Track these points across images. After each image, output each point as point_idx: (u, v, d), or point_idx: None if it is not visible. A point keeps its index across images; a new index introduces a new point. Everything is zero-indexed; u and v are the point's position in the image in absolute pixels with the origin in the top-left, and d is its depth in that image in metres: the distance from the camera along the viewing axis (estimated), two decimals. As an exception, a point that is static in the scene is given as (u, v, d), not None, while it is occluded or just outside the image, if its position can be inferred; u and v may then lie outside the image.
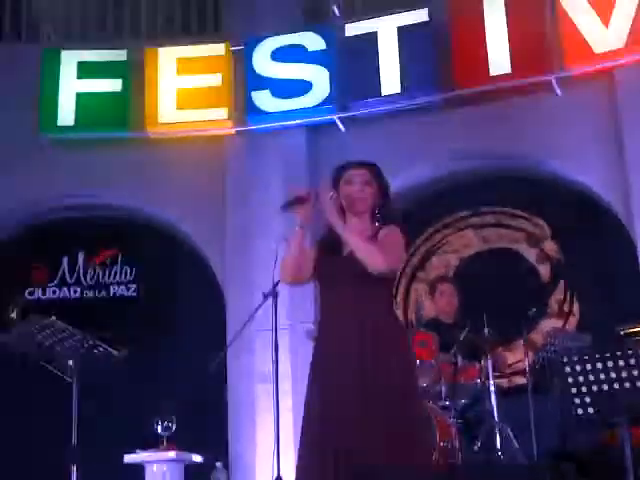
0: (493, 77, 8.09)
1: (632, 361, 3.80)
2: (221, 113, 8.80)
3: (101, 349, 4.28)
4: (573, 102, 8.01)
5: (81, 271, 9.01)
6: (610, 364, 3.85)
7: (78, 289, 8.99)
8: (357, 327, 3.91)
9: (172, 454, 6.58)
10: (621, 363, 3.82)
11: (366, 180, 4.12)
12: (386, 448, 3.71)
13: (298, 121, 8.67)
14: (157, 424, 6.64)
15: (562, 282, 8.28)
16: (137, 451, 6.63)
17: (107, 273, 8.99)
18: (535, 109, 8.12)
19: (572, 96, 8.00)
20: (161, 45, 8.93)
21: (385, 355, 3.84)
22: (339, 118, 8.60)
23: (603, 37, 7.82)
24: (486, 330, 6.39)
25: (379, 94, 8.42)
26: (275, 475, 6.30)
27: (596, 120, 7.94)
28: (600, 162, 7.87)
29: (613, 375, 3.84)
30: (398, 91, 8.36)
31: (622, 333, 5.00)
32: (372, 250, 3.90)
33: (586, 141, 7.94)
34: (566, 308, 8.20)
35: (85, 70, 8.90)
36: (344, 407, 3.79)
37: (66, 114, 8.82)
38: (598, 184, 7.92)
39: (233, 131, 8.86)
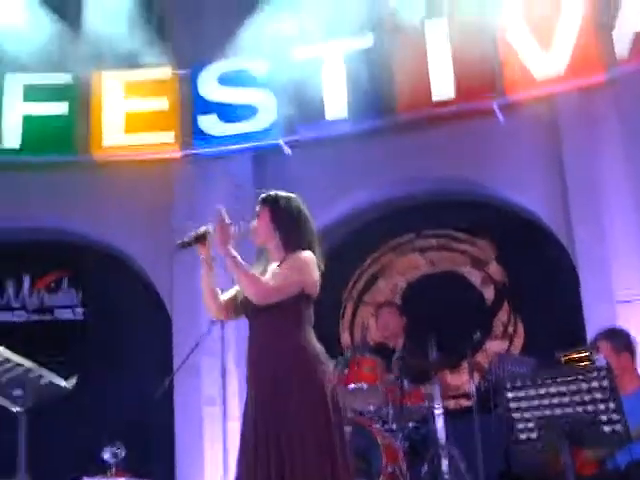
0: (436, 103, 8.17)
1: (573, 387, 3.88)
2: (168, 137, 8.81)
3: (47, 381, 4.23)
4: (515, 128, 8.12)
5: (26, 294, 8.92)
6: (552, 390, 3.92)
7: (23, 313, 8.90)
8: (259, 365, 4.02)
9: (120, 482, 6.51)
10: (562, 389, 3.89)
11: (256, 214, 4.21)
12: None
13: (244, 145, 8.69)
14: (105, 451, 6.56)
15: (506, 304, 8.39)
16: (84, 479, 6.55)
17: (52, 296, 8.90)
18: (478, 135, 8.21)
19: (514, 121, 8.11)
20: (107, 69, 8.88)
21: (284, 397, 3.90)
22: (285, 142, 8.64)
23: (544, 63, 7.90)
24: (433, 353, 6.46)
25: (324, 118, 8.48)
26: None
27: (538, 145, 8.07)
28: (542, 186, 7.99)
29: (555, 401, 3.91)
30: (343, 116, 8.43)
31: (563, 359, 5.09)
32: (247, 282, 3.99)
33: (528, 166, 8.06)
34: (510, 330, 8.31)
35: (31, 93, 8.82)
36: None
37: (12, 136, 8.76)
38: (540, 208, 8.04)
39: (179, 155, 8.86)
